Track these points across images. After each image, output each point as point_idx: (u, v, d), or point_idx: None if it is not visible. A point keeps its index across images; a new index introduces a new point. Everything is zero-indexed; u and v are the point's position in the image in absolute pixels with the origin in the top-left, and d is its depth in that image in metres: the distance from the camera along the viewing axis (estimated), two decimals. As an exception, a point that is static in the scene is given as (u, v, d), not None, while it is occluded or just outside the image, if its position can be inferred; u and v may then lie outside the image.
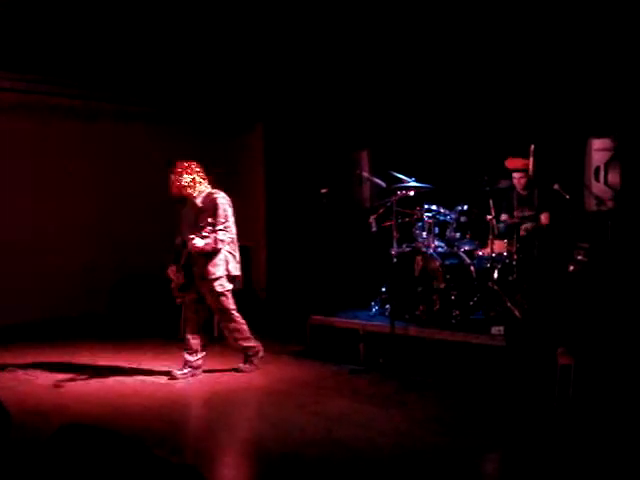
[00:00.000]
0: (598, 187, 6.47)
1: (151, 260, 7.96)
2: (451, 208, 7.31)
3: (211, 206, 6.27)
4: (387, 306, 7.29)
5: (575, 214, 6.89)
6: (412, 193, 7.14)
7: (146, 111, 9.83)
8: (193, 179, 6.32)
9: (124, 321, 9.13)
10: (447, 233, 7.36)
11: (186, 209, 6.46)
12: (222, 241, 6.22)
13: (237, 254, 6.42)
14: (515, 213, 7.45)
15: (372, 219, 7.44)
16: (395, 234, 6.94)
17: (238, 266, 6.42)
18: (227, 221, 6.28)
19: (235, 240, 6.40)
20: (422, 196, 7.27)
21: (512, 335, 6.15)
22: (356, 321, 7.29)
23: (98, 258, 9.25)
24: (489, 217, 6.98)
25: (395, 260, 6.96)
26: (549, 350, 5.46)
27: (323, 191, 7.34)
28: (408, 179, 7.12)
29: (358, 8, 8.11)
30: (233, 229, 6.37)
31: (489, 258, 6.97)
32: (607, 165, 6.41)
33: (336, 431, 4.89)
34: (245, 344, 6.49)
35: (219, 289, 6.28)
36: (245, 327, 6.45)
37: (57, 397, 5.79)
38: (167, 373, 6.42)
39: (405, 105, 8.73)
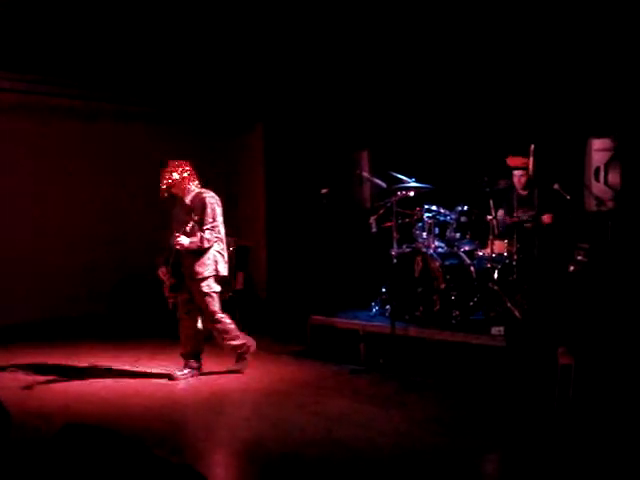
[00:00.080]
0: (598, 187, 6.46)
1: (151, 260, 7.95)
2: (451, 208, 7.31)
3: (199, 205, 6.27)
4: (387, 306, 7.29)
5: (575, 214, 6.88)
6: (412, 193, 7.15)
7: (146, 111, 9.83)
8: (183, 178, 6.31)
9: (124, 321, 9.12)
10: (447, 233, 7.36)
11: (176, 209, 6.47)
12: (208, 240, 6.21)
13: (226, 254, 6.42)
14: (515, 213, 7.44)
15: (372, 219, 7.43)
16: (395, 234, 6.94)
17: (227, 266, 6.42)
18: (215, 220, 6.27)
19: (223, 239, 6.40)
20: (422, 196, 7.28)
21: (512, 335, 6.15)
22: (356, 321, 7.30)
23: (98, 258, 9.25)
24: (489, 217, 6.99)
25: (395, 260, 6.96)
26: (549, 350, 5.45)
27: (323, 191, 7.34)
28: (408, 179, 7.12)
29: (358, 9, 8.11)
30: (221, 229, 6.35)
31: (489, 258, 6.96)
32: (607, 165, 6.40)
33: (336, 431, 4.89)
34: (234, 343, 6.46)
35: (205, 289, 6.27)
36: (232, 327, 6.42)
37: (57, 397, 5.80)
38: (167, 374, 6.42)
39: (405, 105, 8.72)
